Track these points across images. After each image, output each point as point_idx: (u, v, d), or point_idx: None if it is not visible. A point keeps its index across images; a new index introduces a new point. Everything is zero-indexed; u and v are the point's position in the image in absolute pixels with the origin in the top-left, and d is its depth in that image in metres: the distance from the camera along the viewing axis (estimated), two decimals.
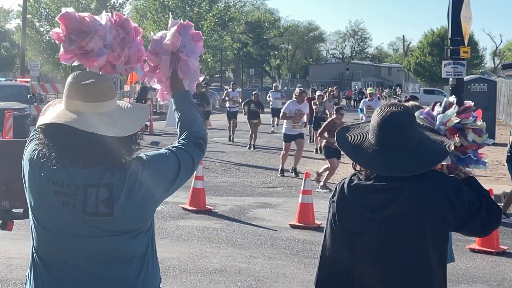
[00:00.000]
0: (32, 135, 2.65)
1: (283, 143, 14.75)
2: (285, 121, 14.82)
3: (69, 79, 2.45)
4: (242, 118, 20.79)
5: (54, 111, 2.45)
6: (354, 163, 2.84)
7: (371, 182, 2.74)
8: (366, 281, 2.80)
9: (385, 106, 2.81)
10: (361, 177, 2.79)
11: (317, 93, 20.88)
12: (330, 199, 2.88)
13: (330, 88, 25.93)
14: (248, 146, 19.49)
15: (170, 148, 2.63)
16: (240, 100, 22.47)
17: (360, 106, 19.42)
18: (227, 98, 21.87)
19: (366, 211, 2.74)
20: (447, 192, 2.71)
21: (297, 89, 16.72)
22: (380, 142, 2.73)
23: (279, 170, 14.63)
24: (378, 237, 2.74)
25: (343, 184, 2.82)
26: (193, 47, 2.99)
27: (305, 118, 15.04)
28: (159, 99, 3.08)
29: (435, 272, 2.75)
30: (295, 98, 14.98)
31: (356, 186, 2.77)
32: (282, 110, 15.16)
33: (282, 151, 14.77)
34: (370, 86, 41.58)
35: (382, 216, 2.72)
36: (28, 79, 26.02)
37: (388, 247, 2.74)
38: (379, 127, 2.74)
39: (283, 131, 14.93)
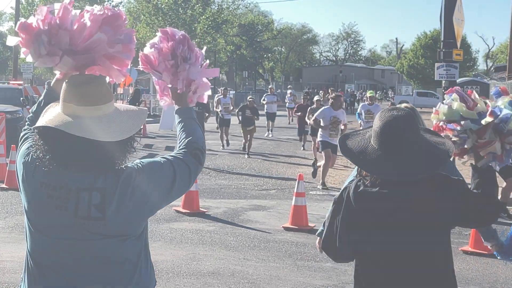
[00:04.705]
0: (24, 136, 2.64)
1: (322, 152, 13.31)
2: (320, 129, 13.41)
3: (65, 82, 2.45)
4: (235, 121, 20.63)
5: (51, 114, 2.44)
6: (360, 168, 2.85)
7: (377, 188, 2.74)
8: (373, 285, 2.81)
9: (386, 111, 2.81)
10: (366, 183, 2.79)
11: (316, 98, 18.72)
12: (335, 201, 2.89)
13: (321, 92, 25.45)
14: (246, 154, 18.45)
15: (166, 156, 2.62)
16: (232, 107, 20.91)
17: (358, 111, 17.31)
18: (219, 107, 20.43)
19: (373, 217, 2.74)
20: (453, 195, 2.72)
21: (332, 94, 15.14)
22: (383, 147, 2.74)
23: (320, 183, 13.01)
24: (385, 243, 2.75)
25: (349, 190, 2.83)
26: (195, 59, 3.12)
27: (342, 126, 13.45)
28: (159, 100, 3.07)
29: (443, 274, 2.76)
30: (331, 104, 13.56)
31: (362, 192, 2.78)
32: (314, 115, 13.71)
33: (322, 161, 13.20)
34: (363, 89, 41.01)
35: (388, 222, 2.73)
36: (21, 82, 25.91)
37: (396, 253, 2.75)
38: (382, 132, 2.74)
39: (318, 139, 13.58)
